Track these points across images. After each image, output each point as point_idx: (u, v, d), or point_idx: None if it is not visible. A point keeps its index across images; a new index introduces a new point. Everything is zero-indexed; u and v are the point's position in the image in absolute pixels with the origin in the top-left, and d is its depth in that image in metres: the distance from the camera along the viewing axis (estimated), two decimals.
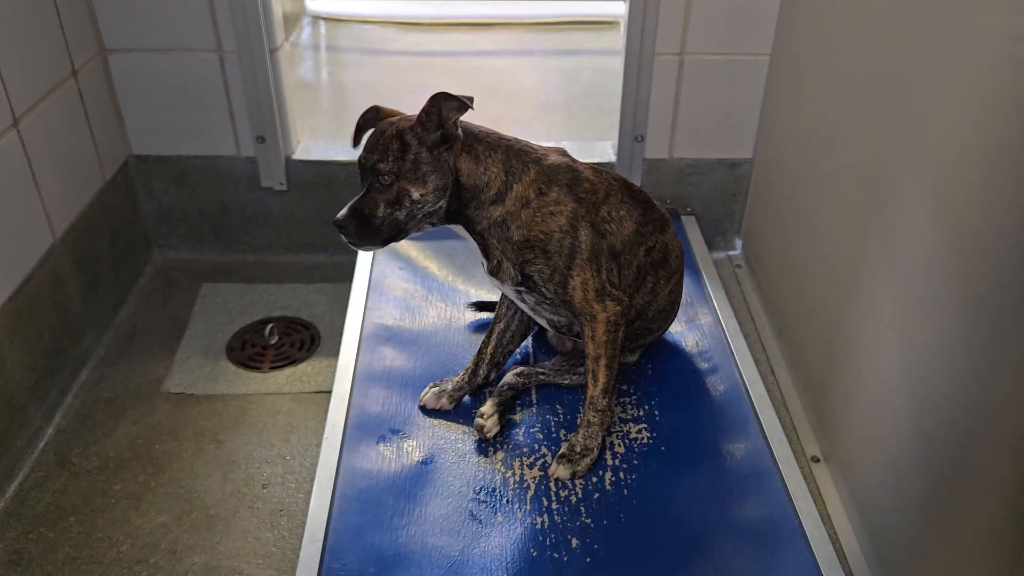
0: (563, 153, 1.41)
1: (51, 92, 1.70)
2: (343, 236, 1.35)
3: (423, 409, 1.53)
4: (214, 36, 1.90)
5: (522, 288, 1.41)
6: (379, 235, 1.34)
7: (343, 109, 2.72)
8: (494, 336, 1.56)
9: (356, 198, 1.33)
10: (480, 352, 1.56)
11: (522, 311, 1.55)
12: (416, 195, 1.31)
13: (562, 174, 1.36)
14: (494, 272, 1.40)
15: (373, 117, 1.38)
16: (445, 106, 1.27)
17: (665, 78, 1.97)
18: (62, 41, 1.75)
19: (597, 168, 1.41)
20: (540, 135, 2.50)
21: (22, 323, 1.58)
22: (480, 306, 1.77)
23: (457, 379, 1.55)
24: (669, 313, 1.58)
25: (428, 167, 1.30)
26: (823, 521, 1.34)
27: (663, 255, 1.48)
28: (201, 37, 1.90)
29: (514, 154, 1.35)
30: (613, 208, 1.39)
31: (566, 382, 1.58)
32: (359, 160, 1.34)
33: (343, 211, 1.33)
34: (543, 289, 1.38)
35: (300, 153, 2.09)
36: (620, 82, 1.99)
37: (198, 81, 1.96)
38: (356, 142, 1.42)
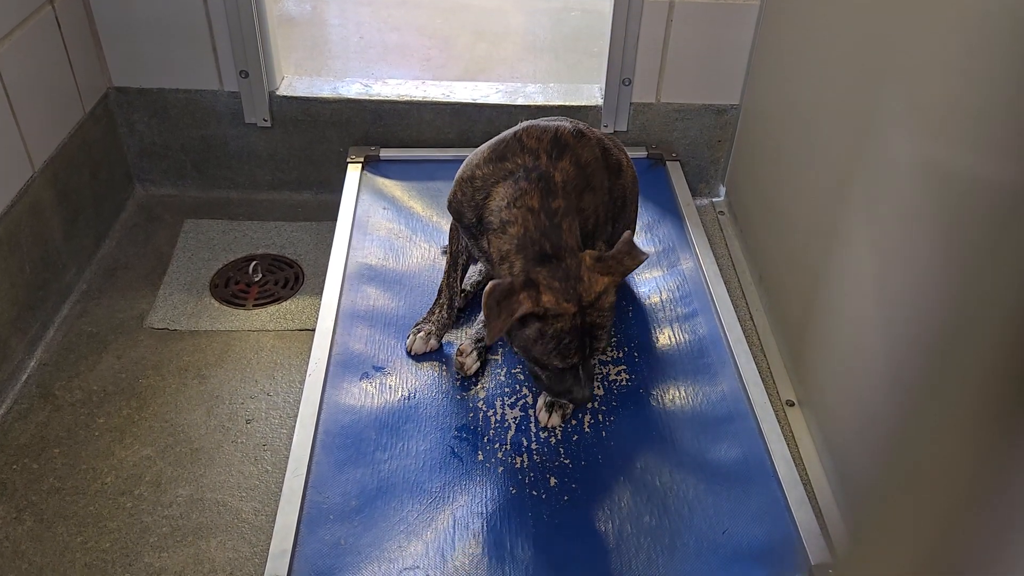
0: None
1: (27, 20, 1.66)
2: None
3: (412, 356, 1.55)
4: None
5: None
6: None
7: (327, 46, 2.67)
8: (459, 268, 1.57)
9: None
10: (451, 287, 1.57)
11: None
12: None
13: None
14: None
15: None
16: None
17: (654, 21, 1.95)
18: None
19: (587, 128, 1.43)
20: (527, 77, 2.48)
21: (2, 256, 1.57)
22: None
23: (436, 317, 1.57)
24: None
25: None
26: (795, 463, 1.38)
27: (623, 201, 1.51)
28: None
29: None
30: (598, 179, 1.42)
31: None
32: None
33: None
34: None
35: (284, 89, 2.06)
36: (609, 25, 1.97)
37: (180, 12, 1.91)
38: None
